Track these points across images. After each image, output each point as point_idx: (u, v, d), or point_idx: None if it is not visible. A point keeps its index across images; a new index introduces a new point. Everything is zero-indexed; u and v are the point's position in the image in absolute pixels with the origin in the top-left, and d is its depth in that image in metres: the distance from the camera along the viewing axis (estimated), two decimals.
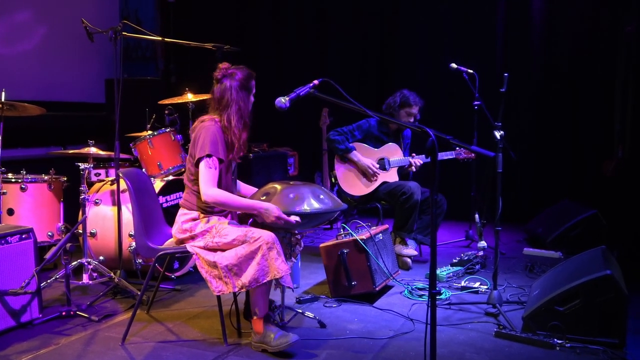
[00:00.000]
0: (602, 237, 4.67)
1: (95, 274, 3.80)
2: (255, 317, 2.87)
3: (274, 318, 2.99)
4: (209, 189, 2.86)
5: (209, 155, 2.89)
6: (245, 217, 3.14)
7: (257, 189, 3.20)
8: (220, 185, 2.96)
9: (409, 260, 4.39)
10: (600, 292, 2.86)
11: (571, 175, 5.91)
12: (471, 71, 4.75)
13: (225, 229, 2.88)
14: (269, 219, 2.82)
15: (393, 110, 4.61)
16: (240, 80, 3.00)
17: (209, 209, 3.00)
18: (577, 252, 3.56)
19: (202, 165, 2.89)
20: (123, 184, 3.77)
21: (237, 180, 3.29)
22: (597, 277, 2.87)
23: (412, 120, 4.60)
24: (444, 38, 6.34)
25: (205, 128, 2.96)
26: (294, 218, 2.80)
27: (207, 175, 2.88)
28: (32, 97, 5.08)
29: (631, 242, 4.57)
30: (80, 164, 3.91)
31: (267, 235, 2.77)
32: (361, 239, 3.58)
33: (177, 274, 4.04)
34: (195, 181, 2.98)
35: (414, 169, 4.60)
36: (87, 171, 3.90)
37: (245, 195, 3.24)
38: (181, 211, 3.05)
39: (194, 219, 2.98)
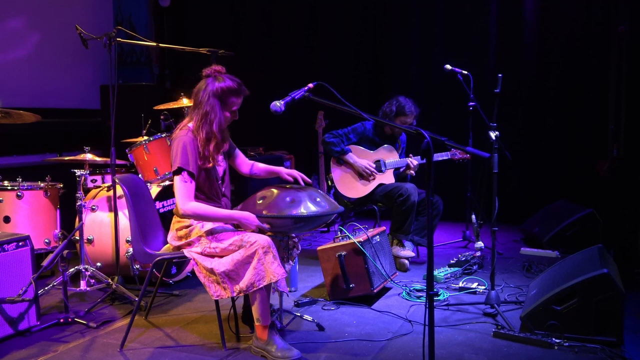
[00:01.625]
0: (599, 236, 4.69)
1: (93, 281, 3.79)
2: (258, 324, 2.86)
3: (275, 323, 2.98)
4: (185, 204, 2.83)
5: (180, 169, 2.85)
6: None
7: (272, 167, 3.22)
8: (205, 192, 2.96)
9: (406, 261, 4.39)
10: (598, 291, 2.87)
11: (567, 174, 5.92)
12: (465, 72, 4.76)
13: (221, 234, 2.87)
14: (249, 229, 2.84)
15: (389, 120, 4.61)
16: (219, 88, 2.89)
17: None
18: (574, 251, 3.57)
19: (176, 179, 2.85)
20: (119, 190, 3.77)
21: (253, 162, 3.27)
22: (594, 275, 2.88)
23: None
24: (437, 39, 6.35)
25: (178, 139, 2.90)
26: (265, 225, 2.83)
27: (181, 189, 2.84)
28: (27, 104, 5.09)
29: (627, 240, 4.58)
30: (76, 170, 3.91)
31: (262, 239, 2.77)
32: (358, 242, 3.58)
33: (175, 279, 4.04)
34: None
35: (412, 172, 4.60)
36: (83, 177, 3.91)
37: (259, 175, 3.25)
38: (175, 219, 3.03)
39: (188, 226, 2.96)
